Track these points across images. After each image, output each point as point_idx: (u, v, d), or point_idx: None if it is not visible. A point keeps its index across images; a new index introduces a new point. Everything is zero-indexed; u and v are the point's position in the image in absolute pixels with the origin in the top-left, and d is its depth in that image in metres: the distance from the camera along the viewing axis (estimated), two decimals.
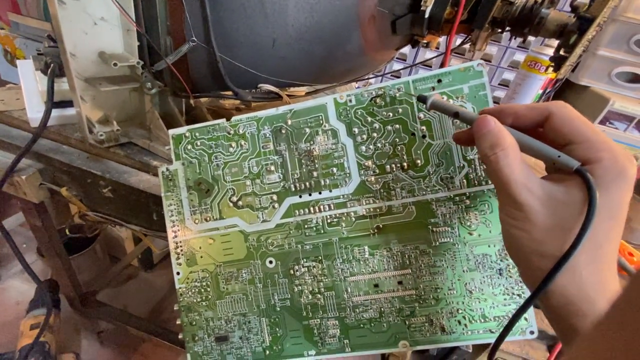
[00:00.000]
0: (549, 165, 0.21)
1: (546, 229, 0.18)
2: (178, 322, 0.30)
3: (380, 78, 0.83)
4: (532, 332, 0.25)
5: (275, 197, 0.28)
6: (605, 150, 0.18)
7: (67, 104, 0.42)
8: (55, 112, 0.41)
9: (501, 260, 0.25)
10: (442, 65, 0.36)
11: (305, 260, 0.28)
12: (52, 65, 0.38)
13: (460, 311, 0.26)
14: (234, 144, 0.28)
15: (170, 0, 0.32)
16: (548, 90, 0.44)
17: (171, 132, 0.29)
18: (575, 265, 0.18)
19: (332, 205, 0.27)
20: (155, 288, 1.02)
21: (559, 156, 0.19)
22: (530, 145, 0.19)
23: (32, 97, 0.44)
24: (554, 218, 0.18)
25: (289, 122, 0.28)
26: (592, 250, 0.18)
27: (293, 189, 0.28)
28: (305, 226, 0.28)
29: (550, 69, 0.34)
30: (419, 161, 0.26)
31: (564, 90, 0.74)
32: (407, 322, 0.27)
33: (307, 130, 0.27)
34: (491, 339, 0.26)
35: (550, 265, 0.18)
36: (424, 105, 0.23)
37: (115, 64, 0.34)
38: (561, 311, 0.19)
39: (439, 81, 0.25)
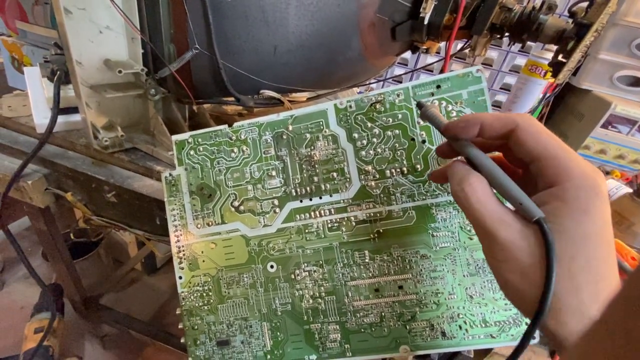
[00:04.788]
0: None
1: (535, 265, 0.17)
2: (180, 326, 0.30)
3: (381, 83, 0.83)
4: (533, 337, 0.25)
5: (276, 202, 0.28)
6: (574, 168, 0.17)
7: (73, 110, 0.43)
8: (61, 119, 0.41)
9: None
10: (441, 71, 0.36)
11: (306, 264, 0.28)
12: (58, 72, 0.39)
13: (461, 316, 0.26)
14: (235, 150, 0.29)
15: (174, 8, 0.32)
16: (548, 94, 0.44)
17: (174, 137, 0.30)
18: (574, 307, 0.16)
19: (332, 210, 0.28)
20: (158, 292, 1.03)
21: (520, 204, 0.17)
22: (501, 183, 0.18)
23: (39, 103, 0.45)
24: (536, 252, 0.17)
25: (290, 127, 0.28)
26: (591, 285, 0.16)
27: (294, 194, 0.28)
28: (306, 231, 0.28)
29: (551, 73, 0.34)
30: (418, 166, 0.26)
31: (565, 94, 0.74)
32: (407, 327, 0.27)
33: (308, 135, 0.28)
34: (492, 344, 0.26)
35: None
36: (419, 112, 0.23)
37: (120, 71, 0.34)
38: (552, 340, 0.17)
39: (438, 87, 0.26)
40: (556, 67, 0.33)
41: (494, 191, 0.19)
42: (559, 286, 0.16)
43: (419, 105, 0.23)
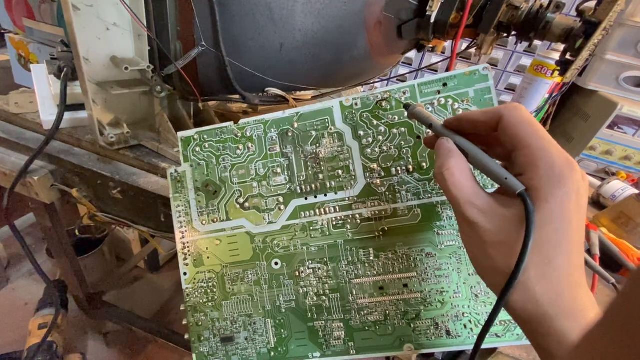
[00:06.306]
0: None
1: (495, 245, 0.18)
2: (184, 322, 0.30)
3: (386, 82, 0.83)
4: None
5: (281, 199, 0.28)
6: (542, 158, 0.17)
7: (79, 107, 0.43)
8: (67, 115, 0.42)
9: None
10: (447, 70, 0.36)
11: (310, 262, 0.28)
12: (65, 69, 0.39)
13: (466, 315, 0.26)
14: (241, 147, 0.29)
15: (181, 6, 0.33)
16: (555, 94, 0.44)
17: (180, 134, 0.30)
18: (527, 282, 0.17)
19: (337, 208, 0.28)
20: (161, 290, 1.03)
21: (505, 178, 0.19)
22: (483, 164, 0.20)
23: (46, 100, 0.45)
24: (501, 234, 0.18)
25: (296, 125, 0.28)
26: (542, 266, 0.17)
27: (299, 191, 0.28)
28: (311, 228, 0.28)
29: (557, 73, 0.34)
30: (424, 164, 0.26)
31: (571, 94, 0.74)
32: (412, 325, 0.27)
33: (313, 133, 0.28)
34: (497, 344, 0.26)
35: (502, 281, 0.18)
36: (405, 113, 0.25)
37: (126, 68, 0.34)
38: (526, 329, 0.18)
39: (445, 85, 0.26)
40: (564, 65, 0.32)
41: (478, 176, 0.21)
42: (511, 262, 0.17)
43: (406, 107, 0.24)
